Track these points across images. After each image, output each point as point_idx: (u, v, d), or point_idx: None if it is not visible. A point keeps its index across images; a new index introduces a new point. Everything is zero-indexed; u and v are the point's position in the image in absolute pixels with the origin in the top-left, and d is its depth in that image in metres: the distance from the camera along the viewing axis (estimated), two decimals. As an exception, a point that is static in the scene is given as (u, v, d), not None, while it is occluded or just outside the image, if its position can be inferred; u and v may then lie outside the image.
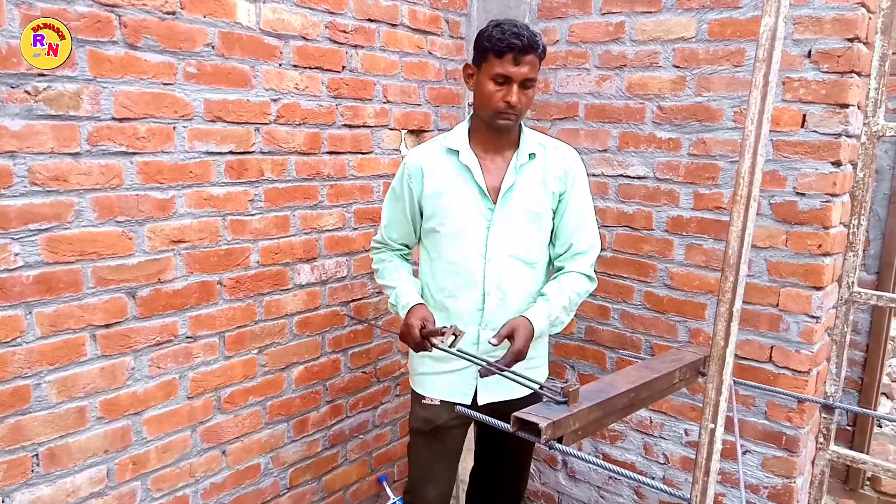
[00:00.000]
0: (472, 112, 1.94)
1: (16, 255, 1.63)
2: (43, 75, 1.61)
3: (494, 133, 1.88)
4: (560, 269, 1.99)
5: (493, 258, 1.90)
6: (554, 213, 1.97)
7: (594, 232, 2.01)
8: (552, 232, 2.00)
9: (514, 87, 1.77)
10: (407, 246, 2.08)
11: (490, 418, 1.64)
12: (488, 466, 2.25)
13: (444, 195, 1.90)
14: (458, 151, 1.89)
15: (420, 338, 1.78)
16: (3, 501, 1.69)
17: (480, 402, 1.98)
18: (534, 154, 1.92)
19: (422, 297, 1.98)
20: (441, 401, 2.00)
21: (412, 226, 2.00)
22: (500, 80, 1.77)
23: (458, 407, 1.73)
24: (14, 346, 1.66)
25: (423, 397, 2.04)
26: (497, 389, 1.98)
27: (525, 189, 1.91)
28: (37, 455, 1.74)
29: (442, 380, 2.00)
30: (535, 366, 2.04)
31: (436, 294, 1.98)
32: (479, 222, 1.89)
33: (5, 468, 1.68)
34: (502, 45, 1.73)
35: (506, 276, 1.92)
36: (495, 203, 1.89)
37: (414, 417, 2.11)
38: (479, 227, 1.89)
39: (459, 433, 2.12)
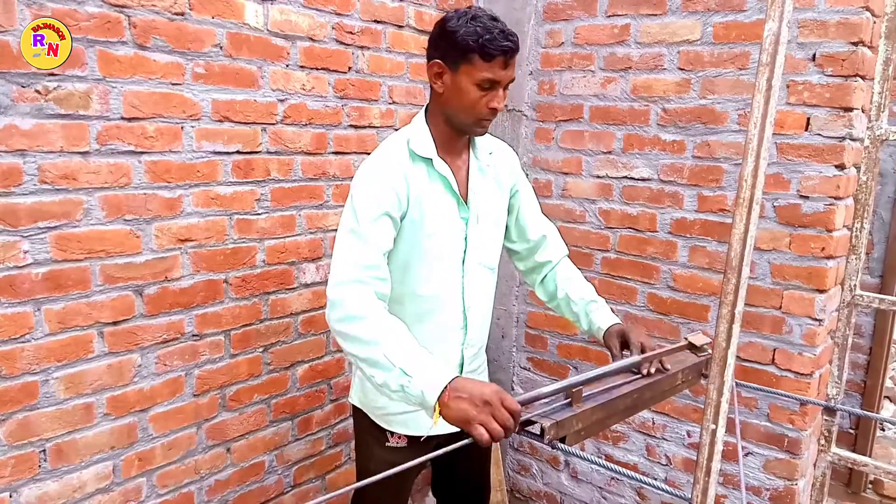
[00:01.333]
0: (425, 108, 1.74)
1: (25, 252, 1.65)
2: (53, 75, 1.63)
3: (458, 135, 1.70)
4: (545, 263, 1.90)
5: (470, 269, 1.75)
6: (509, 212, 1.89)
7: (544, 216, 1.96)
8: (513, 237, 1.92)
9: (501, 92, 1.59)
10: (385, 282, 1.54)
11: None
12: (452, 481, 2.07)
13: (422, 208, 1.65)
14: (428, 159, 1.67)
15: (515, 404, 1.26)
16: (10, 496, 1.70)
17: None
18: (492, 152, 1.80)
19: None
20: (409, 440, 1.79)
21: (390, 244, 1.60)
22: (487, 86, 1.56)
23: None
24: (23, 342, 1.68)
25: (387, 439, 1.81)
26: None
27: (489, 191, 1.78)
28: (44, 451, 1.76)
29: (422, 415, 1.63)
30: (484, 370, 1.96)
31: (408, 315, 1.65)
32: (456, 233, 1.71)
33: (13, 463, 1.70)
34: (493, 48, 1.52)
35: (479, 288, 1.79)
36: (468, 210, 1.73)
37: (375, 460, 1.83)
38: (457, 238, 1.71)
39: (419, 470, 1.93)
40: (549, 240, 1.92)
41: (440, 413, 1.29)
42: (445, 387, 1.29)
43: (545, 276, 1.94)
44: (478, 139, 1.77)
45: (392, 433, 1.80)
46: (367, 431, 1.85)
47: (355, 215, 1.55)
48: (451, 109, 1.64)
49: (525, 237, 1.92)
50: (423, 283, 1.70)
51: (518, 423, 1.27)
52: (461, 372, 1.80)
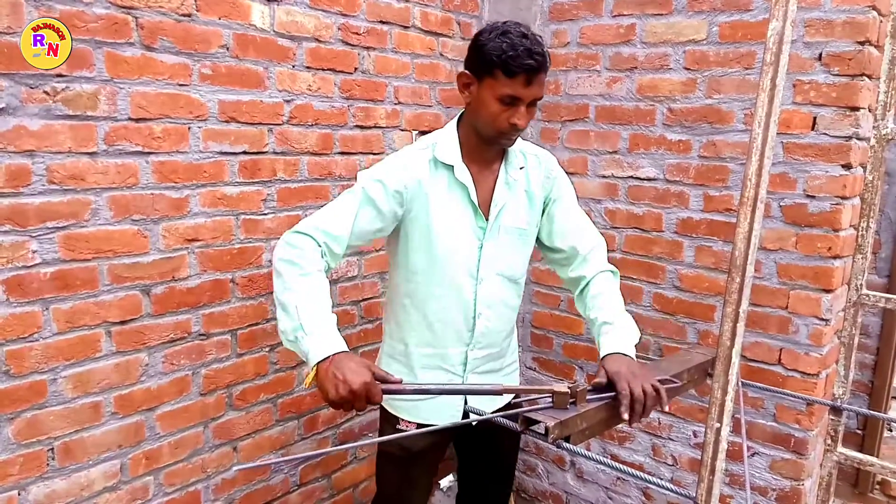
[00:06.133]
0: (458, 116, 1.77)
1: (34, 252, 1.66)
2: (61, 76, 1.64)
3: (487, 145, 1.72)
4: (580, 278, 1.83)
5: (485, 278, 1.77)
6: (539, 225, 1.87)
7: (593, 229, 1.89)
8: (544, 244, 1.89)
9: (523, 109, 1.60)
10: (335, 257, 1.63)
11: (505, 420, 1.63)
12: (474, 470, 2.10)
13: (438, 214, 1.70)
14: (451, 166, 1.71)
15: (380, 398, 1.41)
16: (19, 495, 1.72)
17: (472, 417, 1.83)
18: (523, 166, 1.80)
19: (395, 314, 1.82)
20: (418, 426, 1.81)
21: (370, 236, 1.69)
22: (508, 101, 1.58)
23: (472, 416, 1.71)
24: (31, 341, 1.69)
25: (398, 421, 1.85)
26: (491, 400, 1.89)
27: (514, 205, 1.79)
28: (52, 449, 1.77)
29: (428, 404, 1.82)
30: (510, 371, 1.99)
31: (416, 313, 1.79)
32: (471, 242, 1.75)
33: (22, 461, 1.71)
34: (514, 66, 1.54)
35: (494, 295, 1.80)
36: (486, 221, 1.75)
37: (388, 444, 1.89)
38: (471, 247, 1.75)
39: (438, 455, 1.98)
40: (586, 255, 1.83)
41: (314, 375, 1.41)
42: (328, 357, 1.40)
43: (581, 290, 1.85)
44: (511, 152, 1.78)
45: (400, 419, 1.84)
46: (383, 416, 1.92)
47: (355, 191, 1.66)
48: (475, 120, 1.67)
49: (556, 247, 1.87)
50: (435, 286, 1.75)
51: (373, 401, 1.40)
52: (464, 371, 1.83)
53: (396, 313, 1.83)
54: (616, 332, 1.66)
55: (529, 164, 1.83)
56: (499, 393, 1.54)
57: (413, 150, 1.75)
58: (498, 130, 1.64)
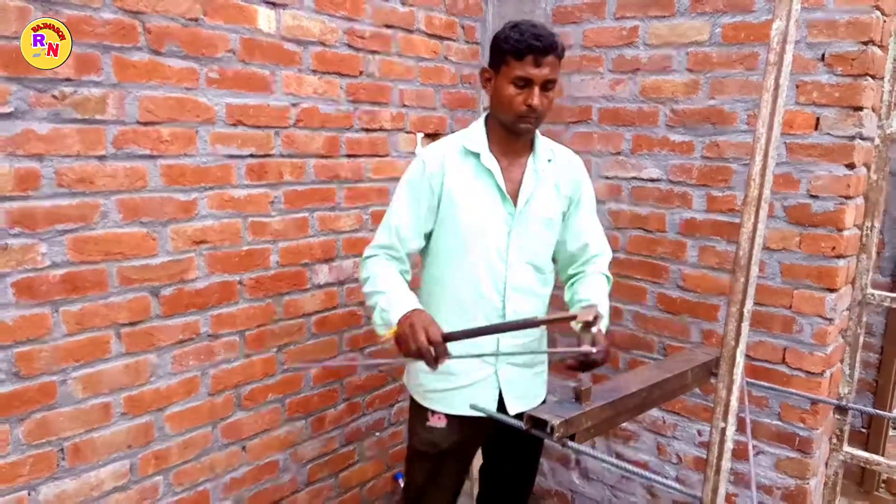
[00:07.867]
0: (486, 114, 1.89)
1: (43, 254, 1.68)
2: (70, 80, 1.66)
3: (512, 137, 1.82)
4: (576, 274, 1.94)
5: (514, 263, 1.85)
6: (563, 219, 1.94)
7: (604, 238, 2.00)
8: (559, 240, 1.95)
9: (536, 90, 1.71)
10: (408, 255, 1.87)
11: (508, 418, 1.65)
12: (497, 470, 2.17)
13: (464, 198, 1.81)
14: (478, 154, 1.82)
15: (444, 348, 1.57)
16: (29, 495, 1.73)
17: (511, 412, 1.89)
18: (551, 159, 1.89)
19: (428, 305, 1.80)
20: (448, 421, 1.89)
21: (427, 225, 1.86)
22: (521, 84, 1.70)
23: (471, 405, 1.73)
24: (41, 343, 1.71)
25: (427, 418, 1.92)
26: (525, 397, 1.93)
27: (542, 195, 1.87)
28: (62, 449, 1.79)
29: (461, 395, 1.87)
30: (541, 371, 2.03)
31: (447, 299, 1.88)
32: (500, 227, 1.83)
33: (32, 462, 1.73)
34: (521, 47, 1.67)
35: (523, 282, 1.88)
36: (515, 207, 1.84)
37: (417, 440, 1.98)
38: (500, 232, 1.83)
39: (468, 455, 2.07)
40: (591, 258, 1.94)
41: (395, 331, 1.64)
42: (403, 316, 1.63)
43: (571, 283, 1.96)
44: (539, 147, 1.88)
45: (433, 412, 1.92)
46: (413, 412, 2.01)
47: (393, 202, 1.87)
48: (496, 110, 1.80)
49: (567, 246, 1.95)
50: (465, 269, 1.85)
51: (438, 348, 1.57)
52: (497, 361, 1.90)
53: (429, 304, 1.83)
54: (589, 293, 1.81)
55: (559, 161, 1.92)
56: (535, 325, 1.72)
57: (445, 141, 1.90)
58: (515, 114, 1.74)
